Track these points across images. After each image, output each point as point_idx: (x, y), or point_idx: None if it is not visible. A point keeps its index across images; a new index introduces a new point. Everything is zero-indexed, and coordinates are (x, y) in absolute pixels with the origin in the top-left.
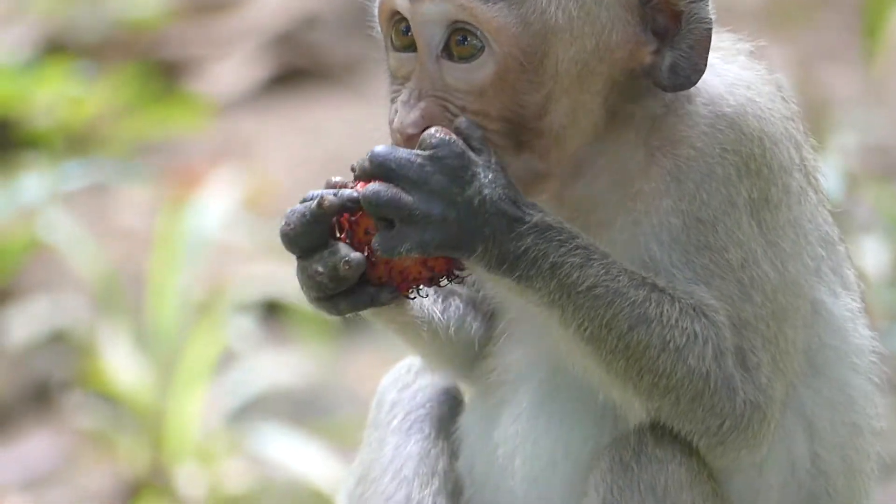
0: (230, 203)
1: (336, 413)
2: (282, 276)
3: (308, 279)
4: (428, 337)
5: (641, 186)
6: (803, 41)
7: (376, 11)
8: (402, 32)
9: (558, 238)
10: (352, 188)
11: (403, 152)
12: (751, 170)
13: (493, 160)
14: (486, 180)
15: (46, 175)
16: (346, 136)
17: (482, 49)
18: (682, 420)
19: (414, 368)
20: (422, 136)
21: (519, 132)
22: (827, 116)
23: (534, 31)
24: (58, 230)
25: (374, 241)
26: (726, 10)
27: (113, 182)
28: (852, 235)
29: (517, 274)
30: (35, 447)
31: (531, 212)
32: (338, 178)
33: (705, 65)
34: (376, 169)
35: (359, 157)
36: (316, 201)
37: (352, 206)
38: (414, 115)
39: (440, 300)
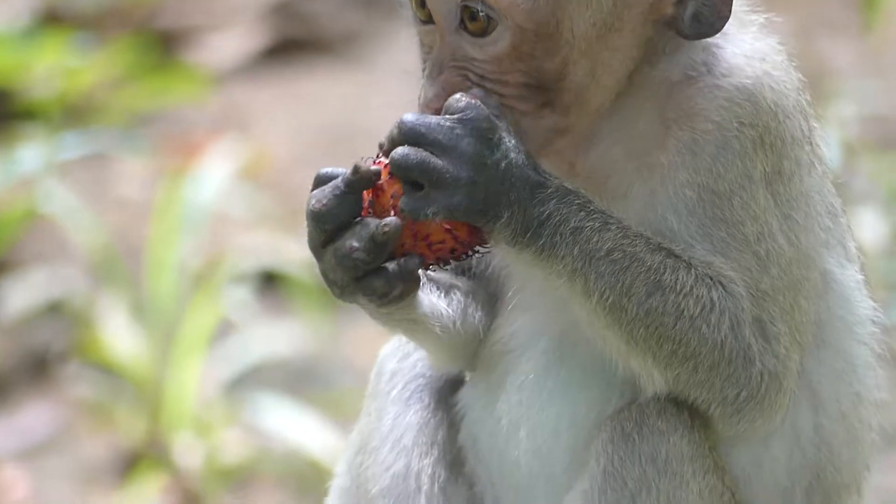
0: (228, 173)
1: (333, 383)
2: (279, 246)
3: (343, 259)
4: (439, 332)
5: (658, 158)
6: (802, 12)
7: None
8: (420, 6)
9: (577, 202)
10: (376, 164)
11: (433, 118)
12: (765, 143)
13: (511, 128)
14: (511, 144)
15: (44, 146)
16: (343, 106)
17: (495, 23)
18: (700, 389)
19: None
20: (447, 102)
21: (539, 94)
22: (825, 87)
23: (546, 0)
24: (55, 201)
25: (401, 202)
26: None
27: (111, 153)
28: (850, 206)
29: (541, 242)
30: (32, 417)
31: (551, 178)
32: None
33: (730, 11)
34: (406, 134)
35: (356, 127)
36: (350, 170)
37: (378, 180)
38: (436, 88)
39: (443, 295)
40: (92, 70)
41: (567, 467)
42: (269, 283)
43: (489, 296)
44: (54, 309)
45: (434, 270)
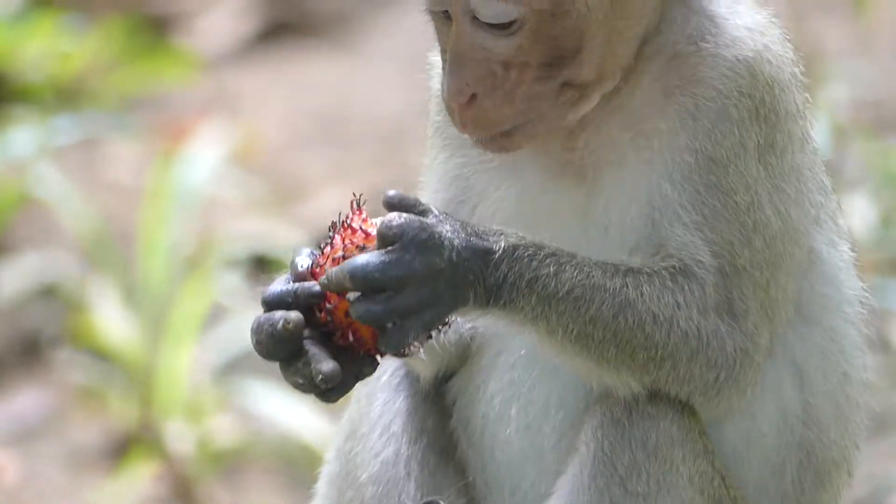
0: (219, 157)
1: None
2: (271, 230)
3: (293, 384)
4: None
5: (657, 124)
6: None
7: None
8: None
9: (527, 255)
10: (317, 259)
11: (376, 256)
12: (760, 115)
13: (437, 212)
14: (450, 233)
15: (36, 129)
16: (335, 90)
17: (513, 12)
18: (681, 384)
19: None
20: (377, 233)
21: (560, 72)
22: (817, 69)
23: None
24: (47, 185)
25: (384, 342)
26: None
27: (102, 136)
28: (841, 190)
29: (502, 301)
30: (24, 402)
31: (494, 238)
32: (303, 259)
33: None
34: (361, 284)
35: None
36: (280, 323)
37: (318, 300)
38: (459, 83)
39: None
40: (83, 53)
41: (556, 444)
42: (261, 267)
43: None
44: (46, 293)
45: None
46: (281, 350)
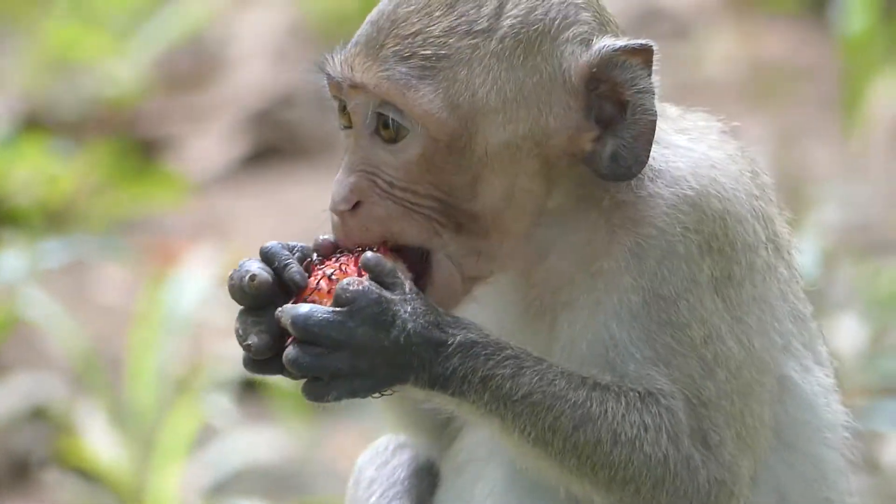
0: (208, 280)
1: (314, 490)
2: None
3: (235, 330)
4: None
5: (602, 265)
6: (782, 116)
7: (326, 84)
8: (342, 110)
9: (485, 353)
10: (321, 259)
11: (322, 312)
12: (713, 248)
13: (408, 289)
14: (407, 315)
15: (25, 252)
16: (322, 213)
17: (407, 131)
18: None
19: (391, 446)
20: (336, 291)
21: (452, 213)
22: (806, 192)
23: (461, 113)
24: (36, 307)
25: (303, 390)
26: (706, 84)
27: (91, 259)
28: (830, 313)
29: (450, 391)
30: None
31: (454, 332)
32: (323, 241)
33: (647, 156)
34: (299, 332)
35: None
36: (247, 277)
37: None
38: (343, 191)
39: None
40: (72, 176)
41: None
42: (250, 389)
43: None
44: (35, 415)
45: None
46: (241, 299)
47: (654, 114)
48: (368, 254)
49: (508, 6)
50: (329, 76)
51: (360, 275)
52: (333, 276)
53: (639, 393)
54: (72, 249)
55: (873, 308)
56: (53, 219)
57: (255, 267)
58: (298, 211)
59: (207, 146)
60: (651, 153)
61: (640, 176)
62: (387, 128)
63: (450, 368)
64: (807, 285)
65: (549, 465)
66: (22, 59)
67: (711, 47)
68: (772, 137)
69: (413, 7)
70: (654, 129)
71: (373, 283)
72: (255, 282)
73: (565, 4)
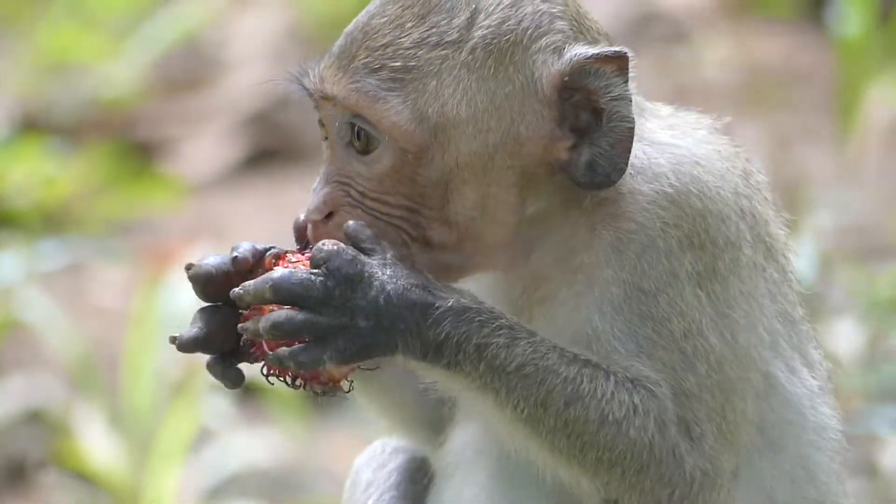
0: None
1: (311, 492)
2: None
3: None
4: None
5: (583, 259)
6: (778, 120)
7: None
8: (321, 122)
9: (479, 319)
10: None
11: (300, 275)
12: (694, 244)
13: (388, 255)
14: (386, 277)
15: (22, 254)
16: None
17: (378, 143)
18: (632, 493)
19: (388, 448)
20: (312, 253)
21: (425, 223)
22: (802, 196)
23: (430, 125)
24: (34, 309)
25: (297, 357)
26: (702, 87)
27: (89, 261)
28: (827, 317)
29: (444, 361)
30: None
31: (444, 294)
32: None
33: (626, 164)
34: (279, 296)
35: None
36: (195, 265)
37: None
38: (317, 201)
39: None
40: (70, 178)
41: None
42: (247, 391)
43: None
44: (32, 417)
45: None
46: (203, 295)
47: (632, 121)
48: (350, 222)
49: (480, 17)
50: (305, 88)
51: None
52: (293, 260)
53: (627, 376)
54: (69, 251)
55: (871, 312)
56: (51, 221)
57: (207, 259)
58: (295, 213)
59: (204, 148)
60: (635, 150)
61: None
62: (359, 139)
63: (442, 334)
64: (804, 289)
65: (539, 446)
66: (19, 62)
67: (708, 51)
68: (768, 141)
69: (386, 19)
70: (632, 137)
71: (350, 247)
72: (191, 269)
73: (539, 14)
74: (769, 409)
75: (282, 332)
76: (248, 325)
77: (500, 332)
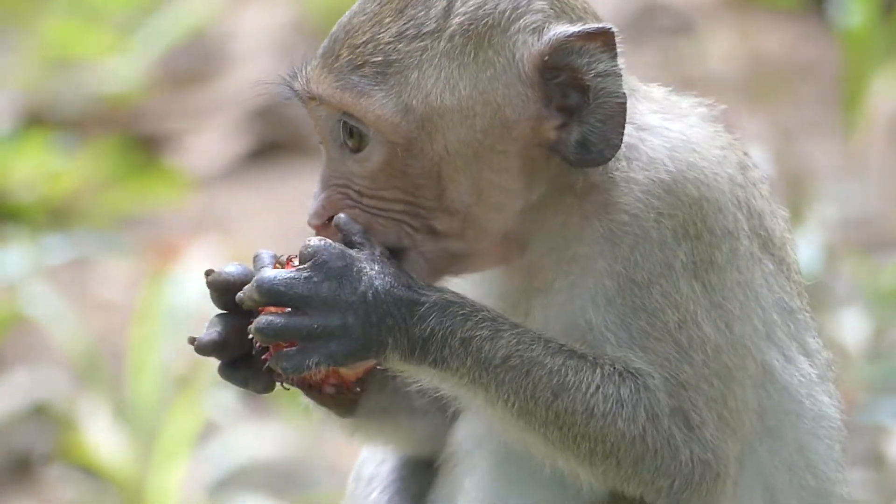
0: None
1: (316, 486)
2: None
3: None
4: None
5: (577, 250)
6: (783, 113)
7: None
8: (315, 127)
9: (461, 313)
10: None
11: (285, 272)
12: (689, 234)
13: (377, 251)
14: (374, 272)
15: (27, 249)
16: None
17: (367, 138)
18: (630, 483)
19: None
20: (300, 250)
21: (425, 213)
22: (807, 189)
23: (417, 115)
24: (39, 304)
25: (281, 362)
26: (706, 80)
27: (93, 255)
28: (832, 308)
29: (431, 358)
30: None
31: (427, 292)
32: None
33: (620, 140)
34: (265, 296)
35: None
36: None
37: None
38: (316, 206)
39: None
40: (74, 173)
41: None
42: None
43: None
44: (37, 411)
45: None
46: (220, 303)
47: (622, 95)
48: (341, 215)
49: (457, 4)
50: (294, 91)
51: None
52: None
53: (615, 368)
54: (74, 246)
55: (875, 303)
56: (56, 215)
57: (226, 267)
58: (299, 207)
59: (209, 142)
60: (627, 135)
61: (615, 157)
62: (351, 137)
63: (427, 329)
64: (808, 281)
65: (534, 439)
66: (24, 57)
67: (712, 43)
68: (772, 134)
69: (366, 16)
70: (624, 111)
71: (337, 243)
72: (210, 277)
73: None
74: (767, 397)
75: (264, 337)
76: (250, 327)
77: (483, 324)
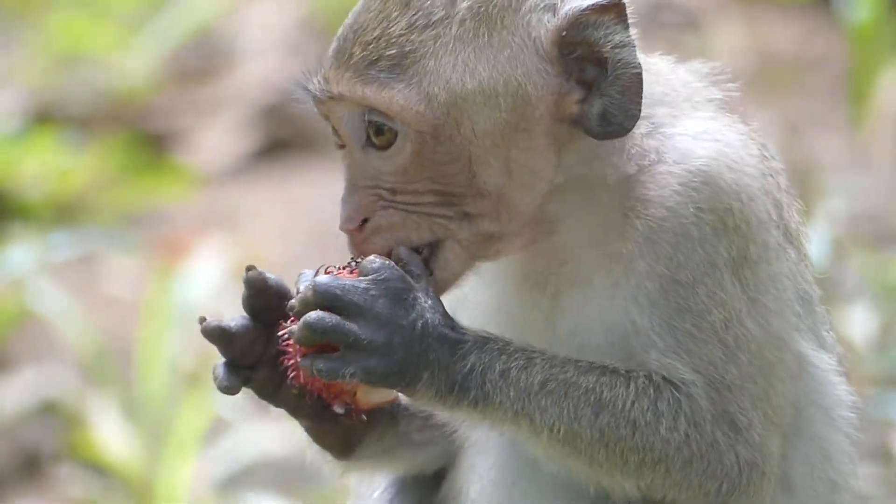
0: (217, 273)
1: (325, 483)
2: None
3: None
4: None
5: (618, 248)
6: (791, 106)
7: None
8: (335, 132)
9: (497, 347)
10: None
11: (347, 280)
12: (728, 227)
13: (430, 287)
14: (427, 305)
15: (35, 245)
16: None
17: (396, 133)
18: (679, 489)
19: None
20: (361, 264)
21: (457, 200)
22: (815, 182)
23: (441, 102)
24: (46, 300)
25: (318, 363)
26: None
27: (101, 252)
28: (840, 302)
29: (472, 394)
30: None
31: (468, 333)
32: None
33: (639, 110)
34: (321, 297)
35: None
36: (252, 272)
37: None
38: (348, 210)
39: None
40: (82, 170)
41: None
42: None
43: None
44: (46, 408)
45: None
46: (248, 304)
47: (638, 66)
48: (402, 248)
49: None
50: (311, 94)
51: None
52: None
53: (651, 379)
54: (82, 242)
55: (883, 297)
56: (64, 212)
57: (265, 275)
58: (307, 204)
59: (217, 139)
60: (648, 129)
61: (644, 151)
62: (379, 135)
63: (467, 365)
64: (817, 274)
65: (580, 463)
66: (31, 54)
67: (719, 38)
68: (780, 128)
69: (372, 13)
70: (640, 82)
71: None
72: (251, 273)
73: None
74: (802, 389)
75: (311, 331)
76: (292, 326)
77: (516, 354)
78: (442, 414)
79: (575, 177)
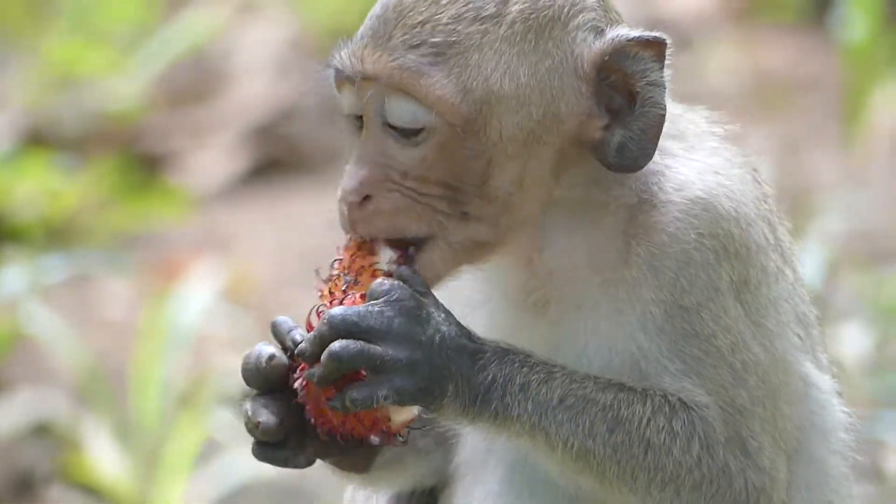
0: (211, 294)
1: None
2: None
3: (242, 417)
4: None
5: (621, 274)
6: (785, 126)
7: (333, 81)
8: (352, 101)
9: (518, 360)
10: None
11: (359, 307)
12: (729, 252)
13: (438, 301)
14: (441, 318)
15: (28, 267)
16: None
17: (423, 120)
18: None
19: None
20: (370, 287)
21: (463, 199)
22: (809, 201)
23: (475, 97)
24: (39, 323)
25: (351, 393)
26: (708, 94)
27: (94, 274)
28: (834, 322)
29: (493, 406)
30: None
31: (486, 342)
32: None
33: (654, 150)
34: (338, 327)
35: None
36: (266, 357)
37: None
38: (354, 182)
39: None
40: (75, 192)
41: None
42: None
43: None
44: (39, 430)
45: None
46: (257, 383)
47: (664, 108)
48: (402, 267)
49: None
50: (338, 71)
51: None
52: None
53: (667, 399)
54: (75, 264)
55: (877, 317)
56: (56, 234)
57: (266, 351)
58: (301, 225)
59: (210, 161)
60: (652, 161)
61: (645, 183)
62: (402, 118)
63: (489, 376)
64: (810, 294)
65: (591, 480)
66: (24, 76)
67: (713, 57)
68: (774, 147)
69: None
70: (662, 124)
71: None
72: (274, 361)
73: None
74: (806, 410)
75: (338, 361)
76: (310, 370)
77: (537, 368)
78: (463, 427)
79: (570, 198)
